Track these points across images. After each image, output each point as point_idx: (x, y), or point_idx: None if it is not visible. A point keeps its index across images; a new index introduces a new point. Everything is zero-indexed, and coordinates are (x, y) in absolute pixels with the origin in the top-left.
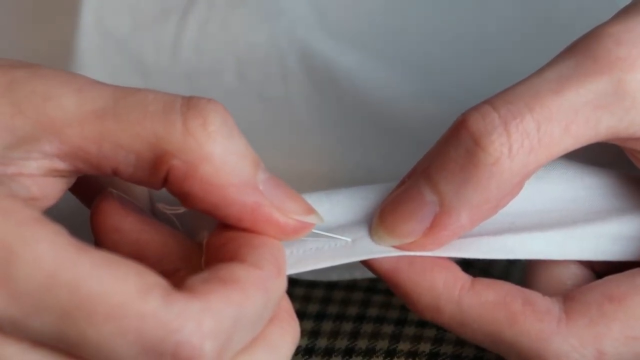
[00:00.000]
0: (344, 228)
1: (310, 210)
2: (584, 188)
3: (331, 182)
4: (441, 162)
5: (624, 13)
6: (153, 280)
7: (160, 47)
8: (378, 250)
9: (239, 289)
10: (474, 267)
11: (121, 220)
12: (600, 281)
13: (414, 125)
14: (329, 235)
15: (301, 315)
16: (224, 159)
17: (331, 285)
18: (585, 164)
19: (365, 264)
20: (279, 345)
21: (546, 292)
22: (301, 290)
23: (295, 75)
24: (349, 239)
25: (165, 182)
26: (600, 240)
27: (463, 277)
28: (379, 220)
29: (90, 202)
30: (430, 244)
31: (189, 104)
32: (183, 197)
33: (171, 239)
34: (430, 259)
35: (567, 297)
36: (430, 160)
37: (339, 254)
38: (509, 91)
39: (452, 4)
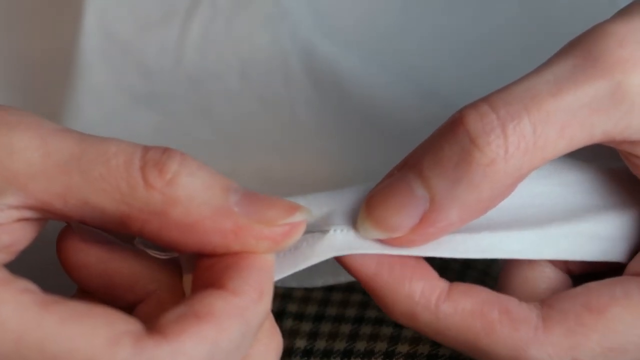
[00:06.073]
0: (320, 221)
1: (294, 209)
2: (560, 184)
3: (331, 185)
4: (434, 157)
5: (626, 12)
6: (123, 327)
7: (163, 50)
8: (358, 246)
9: (213, 323)
10: (474, 268)
11: (85, 255)
12: (579, 289)
13: (414, 128)
14: (311, 232)
15: (300, 316)
16: (190, 197)
17: (330, 287)
18: (564, 158)
19: (344, 265)
20: None
21: (520, 296)
22: (300, 291)
23: (297, 77)
24: (330, 229)
25: (142, 234)
26: (576, 239)
27: (440, 285)
28: (366, 212)
29: None
30: (416, 240)
31: (146, 157)
32: (166, 245)
33: (141, 263)
34: (410, 267)
35: (545, 304)
36: (422, 154)
37: (318, 251)
38: (507, 90)
39: (452, 5)
